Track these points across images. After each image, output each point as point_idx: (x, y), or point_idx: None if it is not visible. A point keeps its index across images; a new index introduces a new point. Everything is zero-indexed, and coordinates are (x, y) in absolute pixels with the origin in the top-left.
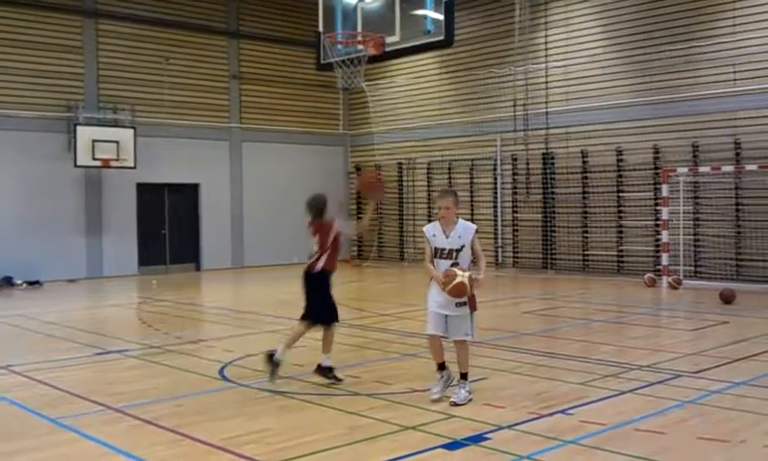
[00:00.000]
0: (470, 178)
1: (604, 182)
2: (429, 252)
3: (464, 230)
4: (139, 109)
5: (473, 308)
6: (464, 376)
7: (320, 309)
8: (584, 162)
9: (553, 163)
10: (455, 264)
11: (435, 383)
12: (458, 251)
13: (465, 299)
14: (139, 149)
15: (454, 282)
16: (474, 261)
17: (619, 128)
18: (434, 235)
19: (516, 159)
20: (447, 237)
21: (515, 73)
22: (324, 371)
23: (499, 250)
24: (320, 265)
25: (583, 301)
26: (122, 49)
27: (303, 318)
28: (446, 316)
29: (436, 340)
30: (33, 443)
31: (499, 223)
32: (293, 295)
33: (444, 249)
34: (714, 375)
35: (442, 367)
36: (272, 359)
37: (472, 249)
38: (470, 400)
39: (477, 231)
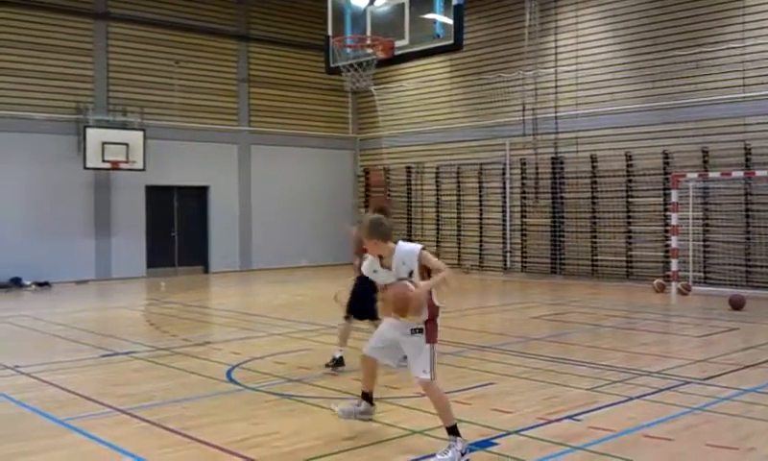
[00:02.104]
0: (479, 182)
1: (613, 187)
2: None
3: (406, 255)
4: (149, 112)
5: (430, 340)
6: (450, 431)
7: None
8: (593, 167)
9: (562, 168)
10: None
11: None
12: (409, 277)
13: (419, 323)
14: (149, 151)
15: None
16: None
17: (629, 133)
18: (375, 271)
19: (524, 164)
20: (391, 269)
21: (524, 77)
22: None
23: (508, 254)
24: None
25: (591, 306)
26: (132, 52)
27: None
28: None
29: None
30: (40, 444)
31: (508, 227)
32: (301, 298)
33: (391, 283)
34: (723, 381)
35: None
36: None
37: (428, 268)
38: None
39: (424, 249)
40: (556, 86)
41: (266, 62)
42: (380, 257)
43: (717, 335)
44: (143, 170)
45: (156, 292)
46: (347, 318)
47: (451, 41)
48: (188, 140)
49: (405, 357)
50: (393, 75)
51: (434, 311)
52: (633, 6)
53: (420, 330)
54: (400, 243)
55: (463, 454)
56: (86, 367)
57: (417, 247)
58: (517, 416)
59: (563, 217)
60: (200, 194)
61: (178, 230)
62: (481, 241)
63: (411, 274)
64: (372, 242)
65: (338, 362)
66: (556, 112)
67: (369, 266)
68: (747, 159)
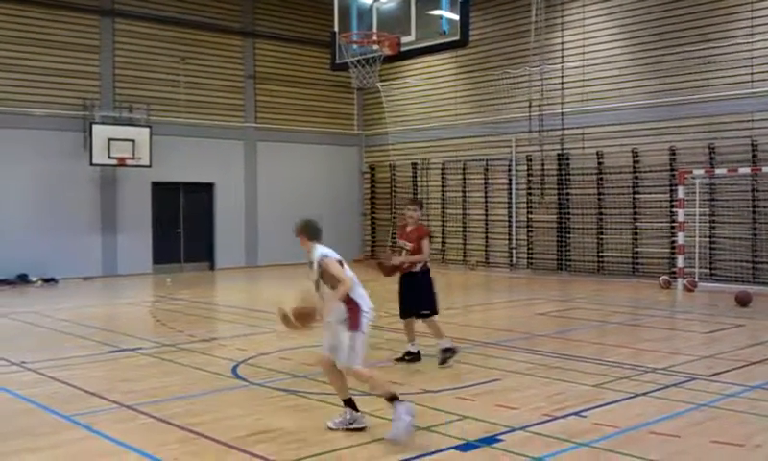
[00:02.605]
0: (485, 178)
1: (619, 184)
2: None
3: (315, 259)
4: (155, 109)
5: (352, 328)
6: (346, 403)
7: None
8: (599, 164)
9: (568, 164)
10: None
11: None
12: (319, 280)
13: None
14: (155, 148)
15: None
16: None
17: (635, 129)
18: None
19: (530, 160)
20: (311, 268)
21: (530, 73)
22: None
23: (513, 251)
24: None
25: (597, 302)
26: (138, 48)
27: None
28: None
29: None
30: (46, 440)
31: (514, 224)
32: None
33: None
34: (729, 378)
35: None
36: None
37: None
38: (359, 427)
39: (328, 257)
40: (562, 83)
41: (272, 59)
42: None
43: (723, 332)
44: (149, 166)
45: (162, 288)
46: (418, 316)
47: (457, 38)
48: (194, 137)
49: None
50: (399, 71)
51: (353, 306)
52: (639, 2)
53: (344, 321)
54: (318, 246)
55: (351, 423)
56: (93, 363)
57: (322, 254)
58: (523, 412)
59: (568, 213)
60: (206, 191)
61: (184, 226)
62: (487, 237)
63: (320, 277)
64: (300, 238)
65: (414, 357)
66: (562, 109)
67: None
68: (754, 156)
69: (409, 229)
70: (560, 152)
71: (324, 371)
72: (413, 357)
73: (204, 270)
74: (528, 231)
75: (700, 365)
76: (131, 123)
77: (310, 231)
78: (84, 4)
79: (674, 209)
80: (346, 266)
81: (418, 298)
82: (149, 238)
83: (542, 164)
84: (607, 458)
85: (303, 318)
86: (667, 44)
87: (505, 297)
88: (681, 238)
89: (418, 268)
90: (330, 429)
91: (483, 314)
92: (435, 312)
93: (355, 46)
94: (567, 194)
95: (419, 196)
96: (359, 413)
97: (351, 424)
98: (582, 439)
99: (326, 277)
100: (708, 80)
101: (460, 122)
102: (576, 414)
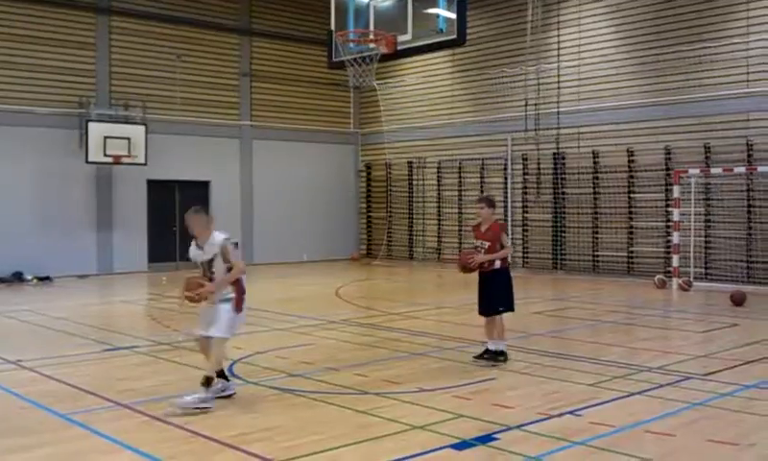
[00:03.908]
0: (481, 177)
1: (615, 183)
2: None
3: (215, 242)
4: (151, 106)
5: (237, 308)
6: (219, 374)
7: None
8: (595, 163)
9: (564, 163)
10: (210, 278)
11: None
12: (209, 262)
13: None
14: (150, 146)
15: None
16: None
17: (631, 128)
18: (193, 248)
19: (526, 159)
20: (203, 250)
21: (526, 73)
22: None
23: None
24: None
25: (593, 301)
26: (134, 46)
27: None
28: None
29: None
30: (42, 438)
31: (509, 223)
32: (302, 292)
33: (198, 262)
34: (724, 377)
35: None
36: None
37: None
38: (201, 409)
39: (229, 241)
40: (558, 82)
41: (268, 57)
42: (196, 238)
43: (718, 331)
44: (145, 164)
45: (157, 286)
46: (496, 313)
47: (454, 36)
48: (190, 135)
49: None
50: (395, 70)
51: (240, 290)
52: (635, 1)
53: (228, 300)
54: (216, 232)
55: (223, 391)
56: (88, 361)
57: (224, 237)
58: (518, 411)
59: (564, 213)
60: (202, 189)
61: (179, 224)
62: None
63: (214, 258)
64: (199, 226)
65: (499, 354)
66: (558, 108)
67: (192, 247)
68: (749, 155)
69: (484, 227)
70: (555, 151)
71: (202, 348)
72: (492, 355)
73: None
74: (524, 231)
75: (695, 364)
76: (126, 121)
77: (209, 220)
78: (79, 1)
79: (669, 209)
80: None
81: (496, 293)
82: (144, 236)
83: (538, 163)
84: (602, 457)
85: (194, 287)
86: (663, 44)
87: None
88: (676, 238)
89: (498, 265)
90: (202, 406)
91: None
92: (511, 309)
93: (352, 44)
94: (563, 193)
95: (414, 195)
96: (229, 381)
97: (223, 391)
98: (577, 438)
99: (225, 258)
100: (703, 79)
101: (456, 121)
102: (571, 413)
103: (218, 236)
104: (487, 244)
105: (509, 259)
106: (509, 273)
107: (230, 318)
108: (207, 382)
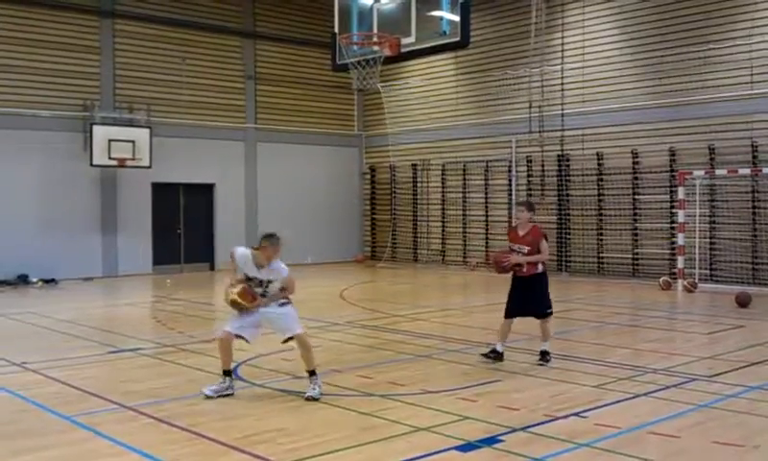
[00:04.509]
0: (485, 179)
1: (619, 185)
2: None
3: (276, 269)
4: (155, 109)
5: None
6: (312, 373)
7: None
8: (599, 165)
9: (568, 165)
10: (263, 294)
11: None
12: (268, 281)
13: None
14: (155, 148)
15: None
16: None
17: (635, 130)
18: (251, 267)
19: (530, 161)
20: (259, 267)
21: (530, 74)
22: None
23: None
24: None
25: (597, 303)
26: (138, 49)
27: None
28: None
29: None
30: (47, 440)
31: (514, 224)
32: (307, 295)
33: (251, 275)
34: (729, 379)
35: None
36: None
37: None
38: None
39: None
40: (562, 84)
41: (272, 60)
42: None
43: (723, 333)
44: (149, 167)
45: (162, 289)
46: (546, 316)
47: (458, 38)
48: (194, 137)
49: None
50: (399, 72)
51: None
52: (639, 3)
53: (286, 304)
54: (280, 262)
55: (227, 390)
56: (93, 364)
57: (286, 269)
58: (524, 413)
59: (568, 214)
60: (206, 191)
61: (184, 227)
62: (487, 238)
63: (273, 280)
64: (274, 251)
65: (498, 356)
66: (562, 110)
67: (249, 258)
68: (754, 157)
69: (522, 232)
70: (560, 153)
71: (224, 343)
72: (497, 356)
73: (203, 271)
74: None
75: (700, 366)
76: (131, 124)
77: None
78: (83, 5)
79: (674, 210)
80: None
81: (541, 297)
82: (149, 239)
83: (542, 165)
84: (607, 458)
85: (250, 298)
86: (667, 46)
87: (505, 298)
88: (681, 239)
89: (540, 268)
90: (206, 395)
91: (483, 315)
92: (552, 311)
93: (356, 47)
94: (567, 195)
95: (419, 197)
96: (232, 379)
97: (229, 389)
98: (582, 439)
99: (288, 288)
100: (707, 81)
101: (460, 123)
102: (576, 415)
103: (284, 268)
104: (526, 248)
105: (546, 264)
106: (546, 276)
107: (295, 313)
108: (313, 372)
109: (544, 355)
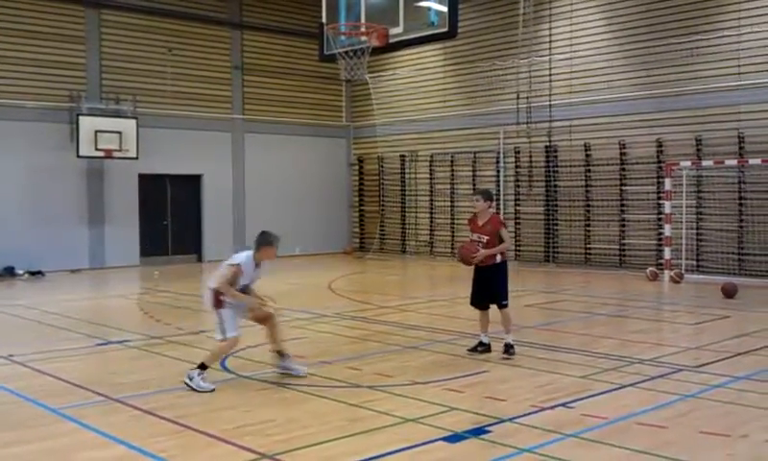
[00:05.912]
0: (473, 170)
1: (607, 176)
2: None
3: (264, 268)
4: (142, 100)
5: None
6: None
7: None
8: (587, 156)
9: (556, 156)
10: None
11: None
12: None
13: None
14: (142, 140)
15: None
16: None
17: (622, 121)
18: (246, 255)
19: (518, 152)
20: (258, 268)
21: (518, 65)
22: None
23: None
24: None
25: (585, 294)
26: (125, 39)
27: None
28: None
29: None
30: (34, 433)
31: (501, 216)
32: (294, 286)
33: (252, 277)
34: (716, 369)
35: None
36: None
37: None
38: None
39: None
40: (550, 75)
41: (259, 50)
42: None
43: (710, 323)
44: (136, 158)
45: (149, 281)
46: (502, 307)
47: (446, 29)
48: (181, 128)
49: None
50: (387, 63)
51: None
52: None
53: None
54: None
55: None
56: (80, 356)
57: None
58: (511, 403)
59: (556, 205)
60: (193, 183)
61: (171, 218)
62: None
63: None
64: (274, 252)
65: (486, 348)
66: (550, 101)
67: (251, 263)
68: (741, 148)
69: (481, 221)
70: (547, 144)
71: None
72: (485, 348)
73: (191, 262)
74: (516, 223)
75: (686, 356)
76: (117, 115)
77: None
78: None
79: (661, 201)
80: None
81: (498, 287)
82: (136, 230)
83: (530, 156)
84: (594, 449)
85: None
86: (655, 36)
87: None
88: (667, 230)
89: (499, 259)
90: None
91: (471, 307)
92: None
93: (343, 37)
94: (555, 186)
95: (407, 188)
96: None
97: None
98: (569, 430)
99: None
100: (695, 72)
101: (448, 114)
102: (563, 405)
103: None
104: (485, 238)
105: (507, 254)
106: (506, 265)
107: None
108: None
109: (508, 349)
